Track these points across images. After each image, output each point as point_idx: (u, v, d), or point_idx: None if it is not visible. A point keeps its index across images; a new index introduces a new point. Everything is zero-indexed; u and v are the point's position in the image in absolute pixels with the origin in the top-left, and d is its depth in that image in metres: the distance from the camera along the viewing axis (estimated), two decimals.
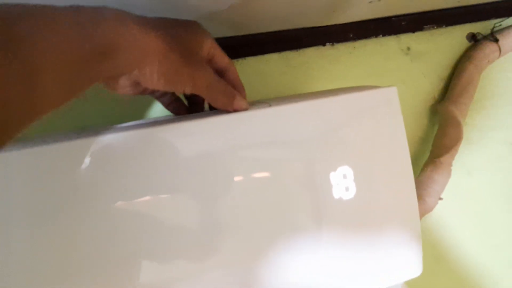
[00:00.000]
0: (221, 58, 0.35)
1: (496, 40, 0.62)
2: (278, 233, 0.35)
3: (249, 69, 0.52)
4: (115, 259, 0.31)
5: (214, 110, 0.38)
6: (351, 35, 0.56)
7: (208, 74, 0.32)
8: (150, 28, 0.27)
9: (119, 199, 0.31)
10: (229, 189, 0.33)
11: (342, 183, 0.36)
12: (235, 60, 0.52)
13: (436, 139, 0.56)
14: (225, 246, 0.33)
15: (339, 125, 0.36)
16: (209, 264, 0.33)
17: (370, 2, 0.44)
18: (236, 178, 0.33)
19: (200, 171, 0.33)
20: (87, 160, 0.31)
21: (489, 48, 0.61)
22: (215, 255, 0.33)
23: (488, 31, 0.64)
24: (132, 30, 0.26)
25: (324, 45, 0.55)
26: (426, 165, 0.54)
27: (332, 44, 0.56)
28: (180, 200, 0.33)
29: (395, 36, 0.59)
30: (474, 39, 0.64)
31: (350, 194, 0.36)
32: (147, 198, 0.32)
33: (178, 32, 0.30)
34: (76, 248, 0.31)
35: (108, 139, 0.31)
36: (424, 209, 0.51)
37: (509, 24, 0.64)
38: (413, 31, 0.60)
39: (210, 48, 0.33)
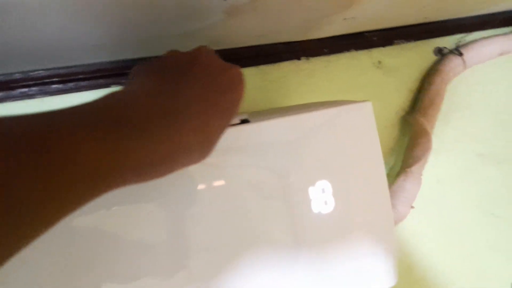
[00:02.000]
0: None
1: (461, 54, 0.65)
2: (254, 248, 0.35)
3: None
4: (84, 278, 0.31)
5: None
6: (326, 50, 0.57)
7: None
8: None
9: (84, 216, 0.31)
10: (203, 204, 0.34)
11: (321, 197, 0.36)
12: None
13: (407, 149, 0.58)
14: (199, 263, 0.33)
15: (316, 140, 0.37)
16: (182, 281, 0.33)
17: (345, 19, 0.46)
18: (211, 194, 0.34)
19: (172, 186, 0.33)
20: None
21: (454, 62, 0.65)
22: (187, 272, 0.33)
23: (453, 46, 0.67)
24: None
25: (299, 59, 0.57)
26: (398, 175, 0.56)
27: (308, 58, 0.57)
28: (153, 217, 0.32)
29: (367, 50, 0.61)
30: (441, 53, 0.67)
31: (328, 208, 0.37)
32: (114, 212, 0.32)
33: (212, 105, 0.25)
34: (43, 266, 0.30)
35: None
36: (397, 218, 0.52)
37: (472, 39, 0.68)
38: (384, 46, 0.62)
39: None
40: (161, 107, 0.22)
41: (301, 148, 0.36)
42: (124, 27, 0.34)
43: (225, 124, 0.26)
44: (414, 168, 0.53)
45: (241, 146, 0.35)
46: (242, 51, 0.52)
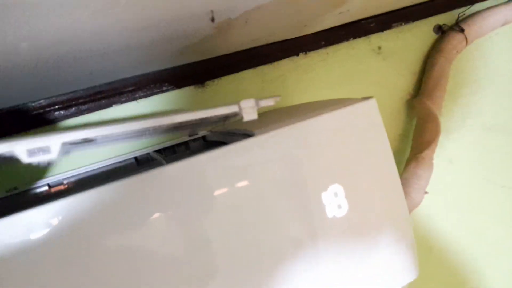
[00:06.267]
0: None
1: (462, 30, 0.64)
2: (277, 257, 0.35)
3: (225, 88, 0.52)
4: None
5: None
6: (323, 43, 0.56)
7: None
8: None
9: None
10: (225, 219, 0.33)
11: (334, 201, 0.36)
12: (210, 81, 0.52)
13: (415, 134, 0.58)
14: (227, 274, 0.34)
15: (324, 145, 0.36)
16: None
17: (340, 13, 0.45)
18: (231, 209, 0.34)
19: (194, 204, 0.33)
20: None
21: (456, 38, 0.63)
22: (217, 281, 0.33)
23: (453, 22, 0.66)
24: None
25: (297, 55, 0.56)
26: (408, 161, 0.56)
27: (305, 53, 0.56)
28: (180, 238, 0.33)
29: (365, 37, 0.60)
30: (441, 31, 0.66)
31: (343, 211, 0.36)
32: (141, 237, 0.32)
33: None
34: None
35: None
36: (412, 205, 0.52)
37: (473, 12, 0.66)
38: (382, 31, 0.61)
39: None
40: None
41: (308, 155, 0.36)
42: (126, 52, 0.34)
43: None
44: (425, 154, 0.52)
45: (250, 159, 0.34)
46: (238, 55, 0.51)
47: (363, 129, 0.38)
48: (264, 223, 0.35)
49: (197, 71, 0.51)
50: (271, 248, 0.35)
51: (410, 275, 0.39)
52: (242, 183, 0.34)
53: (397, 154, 0.60)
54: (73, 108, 0.46)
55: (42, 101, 0.45)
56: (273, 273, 0.35)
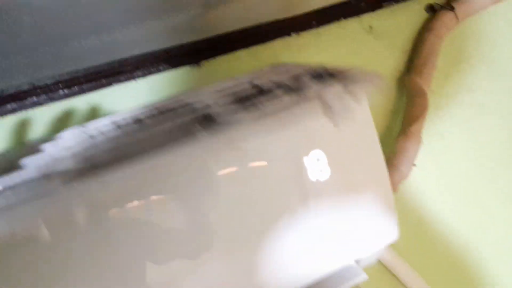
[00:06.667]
0: None
1: (453, 8, 0.65)
2: (269, 219, 0.38)
3: (219, 68, 0.54)
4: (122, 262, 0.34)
5: None
6: (314, 23, 0.58)
7: None
8: None
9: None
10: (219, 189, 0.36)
11: (317, 165, 0.39)
12: (205, 61, 0.54)
13: (405, 111, 0.60)
14: (220, 242, 0.36)
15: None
16: (207, 258, 0.36)
17: None
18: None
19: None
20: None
21: (446, 16, 0.64)
22: (211, 249, 0.36)
23: (445, 1, 0.67)
24: None
25: (289, 35, 0.58)
26: (398, 135, 0.58)
27: (298, 33, 0.58)
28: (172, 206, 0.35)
29: (356, 17, 0.62)
30: (432, 10, 0.67)
31: (325, 175, 0.39)
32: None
33: None
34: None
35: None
36: (400, 177, 0.54)
37: None
38: (373, 10, 0.63)
39: None
40: None
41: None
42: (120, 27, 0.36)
43: None
44: (413, 128, 0.54)
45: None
46: (232, 35, 0.53)
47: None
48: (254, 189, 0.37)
49: (193, 51, 0.53)
50: (260, 214, 0.38)
51: (391, 236, 0.41)
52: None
53: (388, 130, 0.62)
54: (76, 87, 0.50)
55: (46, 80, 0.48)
56: (263, 237, 0.38)
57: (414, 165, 0.56)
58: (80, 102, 0.50)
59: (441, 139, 0.65)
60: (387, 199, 0.41)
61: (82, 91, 0.50)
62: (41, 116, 0.49)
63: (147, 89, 0.53)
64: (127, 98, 0.52)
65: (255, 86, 0.43)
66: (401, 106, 0.63)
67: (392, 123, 0.63)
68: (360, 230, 0.41)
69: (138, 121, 0.42)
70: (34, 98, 0.48)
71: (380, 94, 0.63)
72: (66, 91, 0.49)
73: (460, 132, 0.66)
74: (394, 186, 0.55)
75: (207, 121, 0.37)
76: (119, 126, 0.41)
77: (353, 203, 0.40)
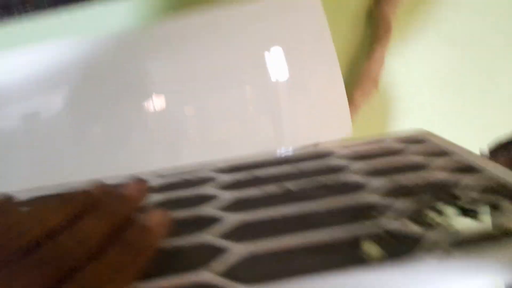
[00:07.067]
0: None
1: None
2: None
3: None
4: None
5: None
6: None
7: None
8: None
9: None
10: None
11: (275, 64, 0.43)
12: None
13: (371, 37, 0.64)
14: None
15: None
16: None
17: None
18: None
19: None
20: None
21: None
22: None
23: None
24: None
25: None
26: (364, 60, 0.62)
27: None
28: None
29: None
30: None
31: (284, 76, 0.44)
32: None
33: None
34: None
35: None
36: (362, 94, 0.59)
37: None
38: None
39: None
40: None
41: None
42: None
43: None
44: (375, 46, 0.59)
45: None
46: None
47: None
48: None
49: None
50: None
51: (344, 130, 0.47)
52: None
53: (359, 59, 0.67)
54: None
55: None
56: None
57: (376, 87, 0.61)
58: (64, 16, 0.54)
59: (407, 72, 0.70)
60: (339, 95, 0.46)
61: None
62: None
63: None
64: None
65: None
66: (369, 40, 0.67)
67: (361, 55, 0.67)
68: (315, 123, 0.46)
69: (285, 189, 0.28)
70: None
71: (350, 25, 0.67)
72: None
73: (426, 65, 0.71)
74: (359, 103, 0.60)
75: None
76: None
77: (308, 98, 0.45)
